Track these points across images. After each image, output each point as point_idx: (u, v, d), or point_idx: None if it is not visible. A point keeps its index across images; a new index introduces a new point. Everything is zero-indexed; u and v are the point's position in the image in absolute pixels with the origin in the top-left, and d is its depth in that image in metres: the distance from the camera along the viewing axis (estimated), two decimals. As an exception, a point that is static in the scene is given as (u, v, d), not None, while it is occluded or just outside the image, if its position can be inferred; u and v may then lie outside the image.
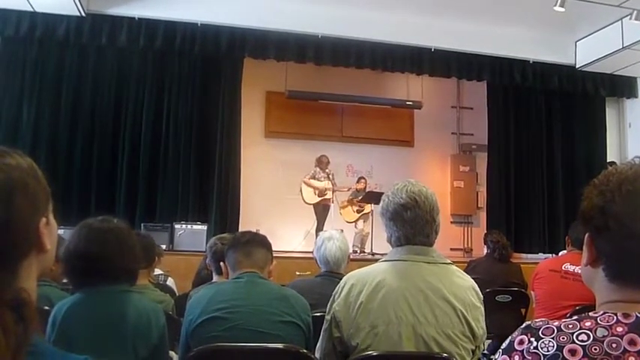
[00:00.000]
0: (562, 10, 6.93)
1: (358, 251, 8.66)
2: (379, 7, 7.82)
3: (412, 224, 1.97)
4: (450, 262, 2.04)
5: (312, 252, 3.43)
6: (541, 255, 8.32)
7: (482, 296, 2.03)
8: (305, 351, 2.06)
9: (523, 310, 4.42)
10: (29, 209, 0.89)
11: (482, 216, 9.77)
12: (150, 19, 7.57)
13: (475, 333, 1.91)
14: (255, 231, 2.64)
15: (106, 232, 2.03)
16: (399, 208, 1.98)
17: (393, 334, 1.85)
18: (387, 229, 2.05)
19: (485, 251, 5.18)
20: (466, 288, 1.97)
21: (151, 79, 8.01)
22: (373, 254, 8.15)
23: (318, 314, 2.54)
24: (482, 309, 1.99)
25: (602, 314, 0.98)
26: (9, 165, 0.89)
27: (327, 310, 2.01)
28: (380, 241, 8.21)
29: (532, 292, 3.97)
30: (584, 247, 1.08)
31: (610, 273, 1.02)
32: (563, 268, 3.60)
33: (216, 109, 8.23)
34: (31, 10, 7.18)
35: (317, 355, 2.05)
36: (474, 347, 1.92)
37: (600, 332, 0.95)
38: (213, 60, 8.19)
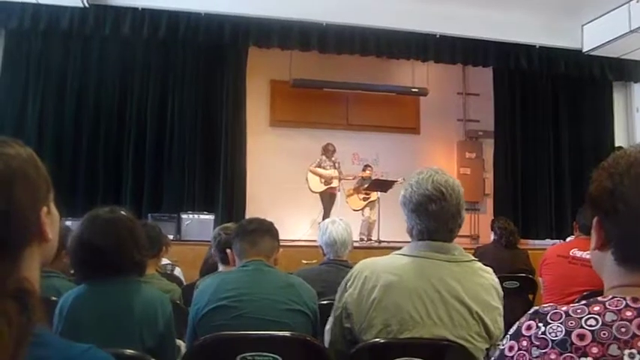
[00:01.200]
0: (568, -7, 6.86)
1: (365, 239, 8.66)
2: (383, -7, 7.77)
3: (436, 218, 1.86)
4: (472, 258, 1.96)
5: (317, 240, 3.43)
6: (548, 241, 8.29)
7: (502, 294, 1.96)
8: (312, 338, 2.06)
9: (531, 296, 4.42)
10: (30, 199, 0.89)
11: (489, 203, 9.75)
12: (153, 9, 7.54)
13: (491, 333, 1.86)
14: (261, 218, 2.61)
15: (114, 223, 2.03)
16: (423, 199, 1.86)
17: (407, 334, 1.81)
18: (408, 220, 1.93)
19: (492, 238, 5.17)
20: (486, 287, 1.90)
21: (155, 70, 8.01)
22: (380, 242, 8.15)
23: (325, 302, 2.54)
24: (501, 308, 1.92)
25: (610, 299, 0.97)
26: (8, 155, 0.89)
27: (338, 297, 1.97)
28: (386, 228, 8.23)
29: (540, 278, 3.96)
30: (593, 231, 1.07)
31: (619, 257, 1.01)
32: (571, 253, 3.59)
33: (220, 98, 8.22)
34: (35, 1, 7.17)
35: (326, 338, 2.04)
36: (488, 346, 1.87)
37: (609, 317, 0.94)
38: (217, 49, 8.17)
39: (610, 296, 0.98)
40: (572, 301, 3.18)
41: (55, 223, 0.96)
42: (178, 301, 2.93)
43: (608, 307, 0.96)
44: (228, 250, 2.69)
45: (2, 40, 7.57)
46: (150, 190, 7.82)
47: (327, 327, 2.03)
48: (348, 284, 1.94)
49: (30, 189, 0.89)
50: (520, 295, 4.32)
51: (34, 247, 0.91)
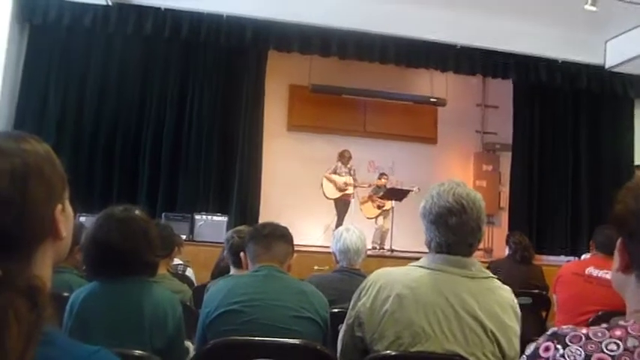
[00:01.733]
0: (594, 9, 6.79)
1: (378, 247, 8.63)
2: (405, 2, 7.74)
3: (456, 231, 1.83)
4: (490, 275, 1.92)
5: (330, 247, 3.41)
6: (562, 257, 8.20)
7: (519, 314, 1.91)
8: (322, 347, 2.03)
9: (544, 313, 4.36)
10: (44, 195, 0.88)
11: (504, 216, 9.66)
12: (175, 9, 7.59)
13: (505, 354, 1.81)
14: (276, 223, 2.58)
15: (127, 222, 2.03)
16: (444, 212, 1.83)
17: (419, 347, 1.78)
18: (427, 232, 1.90)
19: (506, 252, 5.11)
20: (503, 306, 1.85)
21: (175, 70, 8.05)
22: (392, 251, 8.12)
23: (336, 310, 2.52)
24: (518, 329, 1.87)
25: (633, 323, 0.95)
26: (25, 150, 0.88)
27: (352, 305, 1.94)
28: (399, 238, 8.21)
29: (554, 295, 3.91)
30: (616, 252, 1.04)
31: (643, 281, 0.98)
32: (586, 272, 3.54)
33: (239, 101, 8.24)
34: (59, -2, 7.26)
35: (338, 345, 2.01)
36: None
37: (631, 342, 0.92)
38: (237, 52, 8.19)
39: (632, 321, 0.96)
40: (586, 320, 3.13)
41: (70, 222, 0.95)
42: (189, 303, 2.92)
43: (631, 332, 0.93)
44: (241, 254, 2.67)
45: (26, 35, 7.64)
46: (165, 190, 7.85)
47: (340, 335, 2.00)
48: (362, 293, 1.91)
49: (45, 186, 0.88)
50: (533, 311, 4.26)
51: (47, 244, 0.90)
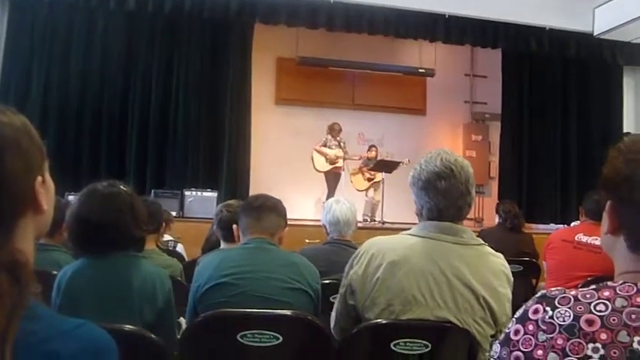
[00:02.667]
0: (581, -25, 6.75)
1: (369, 220, 8.66)
2: (393, -28, 7.67)
3: (446, 195, 1.83)
4: (481, 242, 1.92)
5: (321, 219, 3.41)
6: (552, 225, 8.27)
7: (512, 279, 1.92)
8: (313, 317, 2.04)
9: (534, 280, 4.40)
10: (23, 167, 0.86)
11: (494, 186, 9.73)
12: (159, -17, 7.47)
13: (497, 320, 1.83)
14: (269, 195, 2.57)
15: (112, 197, 2.00)
16: (432, 176, 1.84)
17: (410, 315, 1.79)
18: (417, 199, 1.90)
19: (496, 221, 5.14)
20: (495, 272, 1.87)
21: (160, 45, 7.96)
22: (383, 223, 8.15)
23: (327, 282, 2.53)
24: (509, 294, 1.88)
25: (621, 284, 0.95)
26: (1, 122, 0.86)
27: (345, 274, 1.95)
28: (390, 210, 8.22)
29: (544, 262, 3.94)
30: (605, 215, 1.04)
31: (632, 244, 0.99)
32: (576, 238, 3.56)
33: (226, 75, 8.18)
34: (40, -27, 7.12)
35: (332, 314, 2.02)
36: (494, 332, 1.84)
37: (619, 302, 0.92)
38: (223, 25, 8.10)
39: (621, 281, 0.96)
40: (576, 286, 3.16)
41: (50, 194, 0.93)
42: (179, 278, 2.92)
43: (619, 292, 0.93)
44: (234, 226, 2.67)
45: (7, 12, 7.51)
46: (153, 167, 7.82)
47: (335, 305, 2.02)
48: (355, 262, 1.92)
49: (23, 158, 0.87)
50: (523, 279, 4.29)
51: (29, 218, 0.88)
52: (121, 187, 2.06)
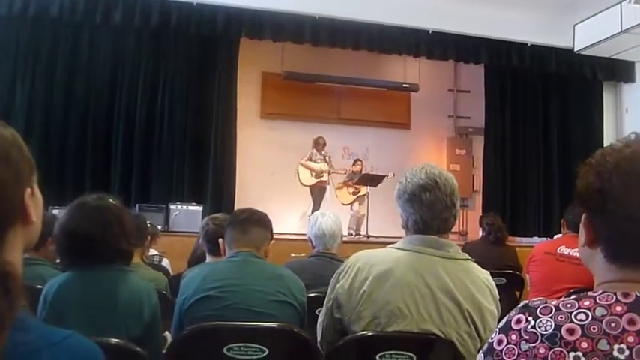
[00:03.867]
0: (561, -8, 6.87)
1: (354, 233, 8.66)
2: (377, -12, 7.75)
3: (430, 207, 1.86)
4: (467, 257, 1.94)
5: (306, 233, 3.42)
6: (536, 238, 8.33)
7: (497, 295, 1.93)
8: (299, 330, 2.04)
9: (518, 293, 4.43)
10: (12, 179, 0.87)
11: (478, 199, 9.78)
12: (144, -3, 7.48)
13: (481, 335, 1.83)
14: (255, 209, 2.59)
15: (101, 210, 2.00)
16: (417, 189, 1.86)
17: (395, 327, 1.80)
18: (402, 212, 1.92)
19: (480, 234, 5.18)
20: (480, 287, 1.87)
21: (146, 59, 7.94)
22: (368, 236, 8.16)
23: (313, 295, 2.53)
24: (495, 310, 1.89)
25: (600, 293, 0.97)
26: None
27: (331, 288, 1.96)
28: (375, 223, 8.24)
29: (527, 275, 3.97)
30: (581, 227, 1.06)
31: (608, 254, 1.01)
32: (558, 250, 3.60)
33: (211, 89, 8.18)
34: (25, -13, 7.09)
35: (318, 329, 2.03)
36: (480, 345, 1.82)
37: (599, 311, 0.94)
38: (208, 40, 8.11)
39: (600, 291, 0.98)
40: (559, 298, 3.19)
41: (39, 206, 0.94)
42: (165, 292, 2.91)
43: (599, 301, 0.95)
44: (220, 240, 2.67)
45: (-9, 25, 7.47)
46: (138, 181, 7.77)
47: (320, 319, 2.02)
48: (341, 275, 1.93)
49: (13, 170, 0.87)
50: (507, 291, 4.32)
51: (18, 229, 0.89)
52: (110, 200, 2.06)
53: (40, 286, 2.06)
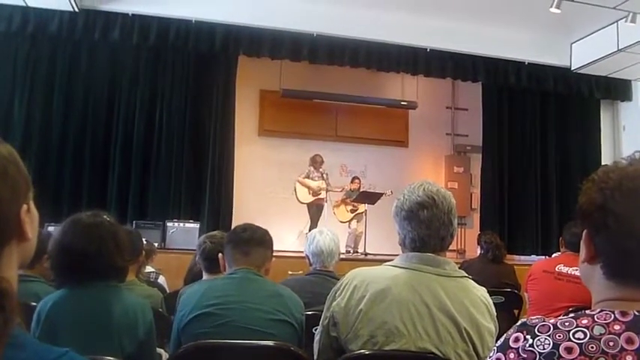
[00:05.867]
0: (558, 11, 6.92)
1: (351, 251, 8.65)
2: (375, 6, 7.80)
3: (428, 224, 1.85)
4: (464, 275, 1.93)
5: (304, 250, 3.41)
6: (534, 257, 8.32)
7: (495, 312, 1.92)
8: (296, 348, 2.03)
9: (516, 312, 4.41)
10: (9, 195, 0.87)
11: (476, 217, 9.78)
12: (143, 15, 7.51)
13: (479, 354, 1.81)
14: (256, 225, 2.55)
15: (96, 227, 2.00)
16: (415, 206, 1.85)
17: (392, 346, 1.78)
18: (400, 229, 1.91)
19: (478, 252, 5.16)
20: (477, 305, 1.86)
21: (144, 76, 7.96)
22: (366, 254, 8.14)
23: (310, 313, 2.51)
24: (493, 328, 1.87)
25: (599, 312, 0.96)
26: None
27: (327, 306, 1.94)
28: (373, 241, 8.23)
29: (525, 294, 3.96)
30: (582, 244, 1.06)
31: (608, 271, 1.01)
32: (556, 269, 3.60)
33: (209, 106, 8.19)
34: (24, 4, 7.12)
35: (315, 347, 2.00)
36: None
37: (597, 330, 0.93)
38: (207, 57, 8.14)
39: (598, 309, 0.97)
40: (557, 317, 3.18)
41: (35, 222, 0.94)
42: (160, 309, 2.89)
43: (597, 320, 0.95)
44: (219, 255, 2.65)
45: (-10, 41, 7.50)
46: (135, 197, 7.75)
47: (316, 337, 2.00)
48: (337, 293, 1.91)
49: (9, 186, 0.87)
50: (505, 310, 4.30)
51: (13, 246, 0.89)
52: (105, 217, 2.05)
53: (34, 304, 2.05)
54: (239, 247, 2.39)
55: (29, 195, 0.93)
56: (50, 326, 1.87)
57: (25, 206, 0.91)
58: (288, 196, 9.07)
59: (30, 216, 0.92)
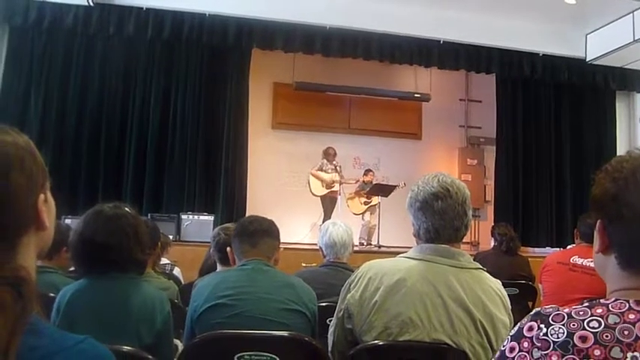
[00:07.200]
0: (573, 2, 6.87)
1: (365, 243, 8.65)
2: (388, -1, 7.78)
3: (442, 215, 1.85)
4: (478, 266, 1.92)
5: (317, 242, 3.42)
6: (548, 249, 8.27)
7: (509, 305, 1.91)
8: (310, 339, 2.04)
9: (530, 303, 4.40)
10: (26, 185, 0.89)
11: (490, 209, 9.73)
12: (158, 9, 7.56)
13: (493, 346, 1.81)
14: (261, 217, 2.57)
15: (117, 219, 2.01)
16: (429, 197, 1.85)
17: (406, 337, 1.78)
18: (414, 220, 1.91)
19: (492, 244, 5.14)
20: (491, 297, 1.85)
21: (158, 70, 8.00)
22: (379, 247, 8.14)
23: (324, 304, 2.52)
24: (507, 320, 1.86)
25: (613, 301, 0.97)
26: (5, 141, 0.89)
27: (341, 297, 1.94)
28: (387, 233, 8.22)
29: (540, 285, 3.94)
30: (596, 234, 1.06)
31: (622, 261, 1.01)
32: (571, 260, 3.58)
33: (223, 99, 8.22)
34: (40, -1, 7.19)
35: (329, 339, 2.01)
36: (491, 356, 1.80)
37: (612, 319, 0.93)
38: (220, 50, 8.17)
39: (613, 299, 0.97)
40: (572, 308, 3.17)
41: (52, 212, 0.96)
42: (176, 300, 2.92)
43: (612, 309, 0.95)
44: (228, 249, 2.67)
45: (6, 37, 7.57)
46: (150, 190, 7.80)
47: (331, 329, 2.01)
48: (352, 285, 1.91)
49: (27, 176, 0.89)
50: (519, 302, 4.29)
51: (31, 235, 0.90)
52: (126, 209, 2.07)
53: (52, 295, 2.07)
54: (247, 239, 2.41)
55: (46, 185, 0.95)
56: (69, 316, 1.89)
57: (42, 196, 0.92)
58: (301, 188, 9.07)
59: (47, 205, 0.94)
